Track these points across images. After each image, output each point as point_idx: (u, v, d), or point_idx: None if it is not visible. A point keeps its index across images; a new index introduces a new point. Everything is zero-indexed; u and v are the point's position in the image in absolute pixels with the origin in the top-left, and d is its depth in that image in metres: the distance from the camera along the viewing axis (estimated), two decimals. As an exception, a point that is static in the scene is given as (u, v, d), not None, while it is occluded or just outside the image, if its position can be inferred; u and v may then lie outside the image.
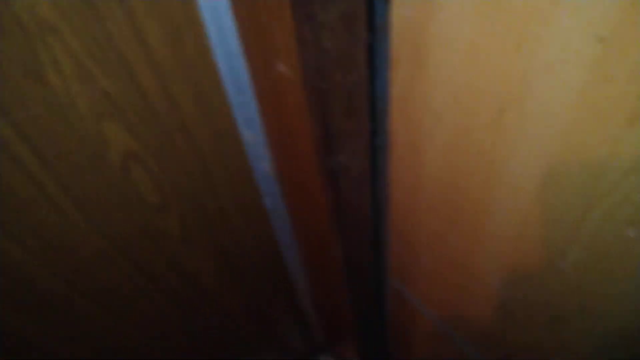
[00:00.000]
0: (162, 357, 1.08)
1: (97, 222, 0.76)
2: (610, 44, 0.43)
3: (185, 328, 1.10)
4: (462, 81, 0.59)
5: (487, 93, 0.57)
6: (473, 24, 0.53)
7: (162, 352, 1.07)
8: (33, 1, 0.54)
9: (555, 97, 0.51)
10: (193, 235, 0.96)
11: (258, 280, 1.20)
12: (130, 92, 0.69)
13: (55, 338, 0.84)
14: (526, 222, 0.66)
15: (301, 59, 0.62)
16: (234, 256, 1.08)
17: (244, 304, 1.22)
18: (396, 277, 1.07)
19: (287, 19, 0.58)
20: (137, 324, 0.97)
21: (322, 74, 0.63)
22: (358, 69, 0.65)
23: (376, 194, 0.87)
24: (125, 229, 0.81)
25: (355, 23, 0.59)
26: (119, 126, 0.70)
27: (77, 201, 0.72)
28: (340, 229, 0.93)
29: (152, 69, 0.68)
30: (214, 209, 0.95)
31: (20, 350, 0.79)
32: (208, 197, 0.92)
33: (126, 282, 0.89)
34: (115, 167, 0.74)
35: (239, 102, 0.80)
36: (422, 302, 1.06)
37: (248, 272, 1.15)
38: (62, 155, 0.67)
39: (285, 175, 0.90)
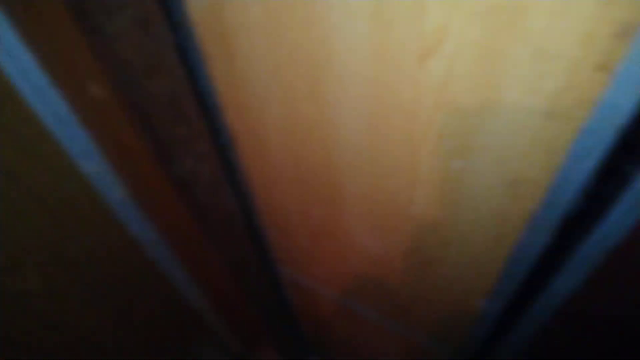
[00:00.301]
0: None
1: None
2: (379, -6, 0.46)
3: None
4: (273, 60, 0.60)
5: (298, 66, 0.58)
6: (262, 4, 0.53)
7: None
8: None
9: (355, 54, 0.53)
10: (61, 288, 0.89)
11: (153, 313, 1.14)
12: None
13: None
14: (373, 180, 0.69)
15: (106, 76, 0.59)
16: (117, 297, 1.02)
17: (146, 342, 1.16)
18: (287, 267, 1.07)
19: (74, 34, 0.54)
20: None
21: (131, 87, 0.60)
22: (171, 72, 0.63)
23: (238, 191, 0.86)
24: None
25: (152, 27, 0.57)
26: None
27: None
28: (213, 234, 0.91)
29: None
30: (78, 253, 0.88)
31: None
32: (66, 243, 0.85)
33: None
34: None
35: (67, 136, 0.74)
36: (319, 284, 1.07)
37: (140, 309, 1.09)
38: None
39: (141, 197, 0.86)
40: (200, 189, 0.79)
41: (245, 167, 0.81)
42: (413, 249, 0.76)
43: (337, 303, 1.09)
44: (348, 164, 0.68)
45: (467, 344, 0.90)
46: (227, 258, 0.96)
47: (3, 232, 0.74)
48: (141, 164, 0.78)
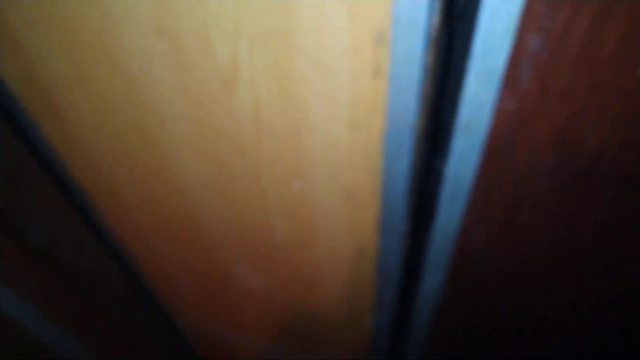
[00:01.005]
0: None
1: None
2: (168, 34, 0.47)
3: None
4: (100, 112, 0.59)
5: (123, 111, 0.58)
6: (69, 58, 0.53)
7: None
8: None
9: (167, 95, 0.54)
10: None
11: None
12: None
13: None
14: (232, 215, 0.69)
15: None
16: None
17: None
18: (186, 319, 1.04)
19: None
20: None
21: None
22: (2, 141, 0.61)
23: (111, 250, 0.83)
24: None
25: None
26: None
27: None
28: (96, 302, 0.87)
29: None
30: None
31: None
32: None
33: None
34: None
35: None
36: (222, 331, 1.05)
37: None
38: None
39: (8, 277, 0.82)
40: (66, 255, 0.76)
41: (110, 224, 0.79)
42: (289, 276, 0.76)
43: (244, 346, 1.07)
44: (203, 204, 0.69)
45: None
46: (119, 322, 0.92)
47: None
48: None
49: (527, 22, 0.37)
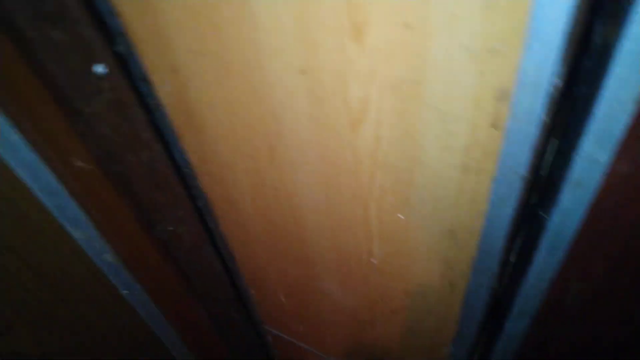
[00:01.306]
0: None
1: None
2: (310, 73, 0.54)
3: None
4: (236, 133, 0.68)
5: (257, 136, 0.67)
6: (217, 86, 0.62)
7: None
8: None
9: (300, 126, 0.61)
10: (55, 354, 0.94)
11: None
12: None
13: None
14: (335, 235, 0.75)
15: (91, 151, 0.68)
16: (110, 358, 1.06)
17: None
18: (271, 326, 1.11)
19: (59, 116, 0.63)
20: None
21: (114, 160, 0.69)
22: (149, 146, 0.72)
23: (220, 253, 0.92)
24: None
25: (126, 108, 0.66)
26: None
27: None
28: (199, 295, 0.96)
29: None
30: (71, 316, 0.94)
31: None
32: (59, 308, 0.92)
33: None
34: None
35: (56, 205, 0.83)
36: (302, 342, 1.11)
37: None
38: None
39: (128, 260, 0.93)
40: (183, 251, 0.86)
41: (223, 230, 0.88)
42: (378, 299, 0.81)
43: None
44: (312, 222, 0.75)
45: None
46: (213, 318, 1.00)
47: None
48: (126, 229, 0.85)
49: (650, 95, 0.40)
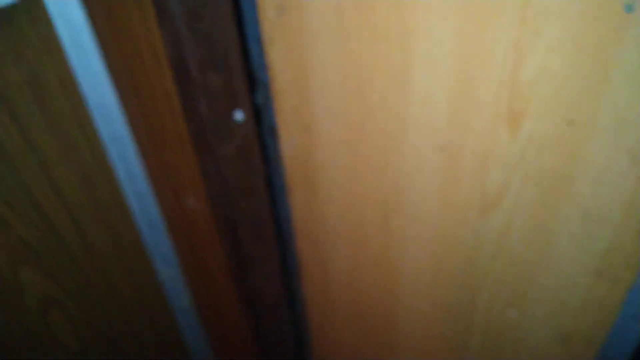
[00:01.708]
0: None
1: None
2: (450, 151, 0.55)
3: None
4: (349, 198, 0.69)
5: (371, 205, 0.67)
6: (346, 149, 0.64)
7: None
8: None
9: (423, 201, 0.61)
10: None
11: None
12: (47, 237, 0.72)
13: None
14: (430, 320, 0.72)
15: (207, 191, 0.70)
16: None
17: None
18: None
19: (190, 155, 0.67)
20: None
21: (227, 203, 0.71)
22: (259, 196, 0.74)
23: (296, 318, 0.91)
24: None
25: (251, 155, 0.69)
26: (36, 271, 0.72)
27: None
28: (262, 355, 0.94)
29: (67, 214, 0.73)
30: (135, 352, 0.93)
31: None
32: (128, 340, 0.92)
33: None
34: (33, 312, 0.74)
35: (153, 240, 0.85)
36: None
37: None
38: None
39: (205, 308, 0.93)
40: (264, 309, 0.85)
41: (305, 294, 0.87)
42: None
43: None
44: (407, 303, 0.74)
45: None
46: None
47: (84, 318, 0.81)
48: (214, 276, 0.86)
49: None
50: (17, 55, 0.62)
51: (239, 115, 0.64)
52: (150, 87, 0.63)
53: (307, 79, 0.62)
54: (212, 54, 0.58)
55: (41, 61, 0.64)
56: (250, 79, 0.65)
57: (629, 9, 0.37)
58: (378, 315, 0.79)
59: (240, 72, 0.62)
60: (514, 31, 0.43)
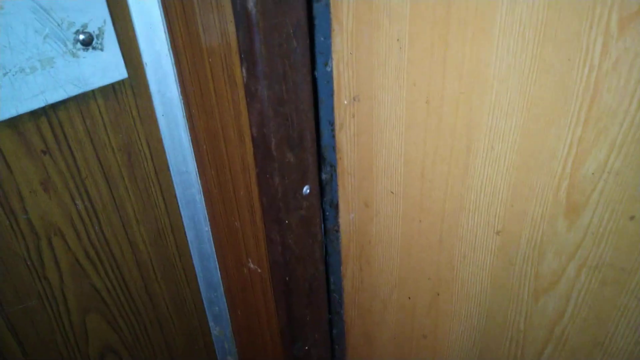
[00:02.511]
0: None
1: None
2: (506, 235, 0.55)
3: None
4: (401, 272, 0.69)
5: (423, 280, 0.67)
6: (403, 226, 0.65)
7: None
8: (46, 209, 0.63)
9: (477, 282, 0.61)
10: None
11: None
12: (116, 289, 0.74)
13: None
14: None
15: (268, 256, 0.71)
16: None
17: None
18: None
19: (258, 223, 0.69)
20: None
21: (286, 269, 0.71)
22: (316, 264, 0.74)
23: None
24: None
25: (312, 226, 0.70)
26: (102, 319, 0.73)
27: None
28: None
29: (137, 269, 0.75)
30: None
31: None
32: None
33: None
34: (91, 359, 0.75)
35: (209, 299, 0.86)
36: None
37: None
38: (45, 345, 0.68)
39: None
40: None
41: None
42: None
43: None
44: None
45: None
46: None
47: None
48: (265, 339, 0.85)
49: None
50: (118, 123, 0.67)
51: (306, 189, 0.67)
52: (231, 159, 0.66)
53: (372, 160, 0.64)
54: (291, 135, 0.61)
55: (137, 129, 0.69)
56: (319, 157, 0.68)
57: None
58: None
59: (312, 151, 0.65)
60: (577, 130, 0.45)
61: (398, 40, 0.53)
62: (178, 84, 0.68)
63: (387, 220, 0.66)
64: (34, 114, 0.59)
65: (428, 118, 0.55)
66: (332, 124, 0.65)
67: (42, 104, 0.58)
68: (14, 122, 0.57)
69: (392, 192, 0.64)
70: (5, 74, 0.55)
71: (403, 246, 0.67)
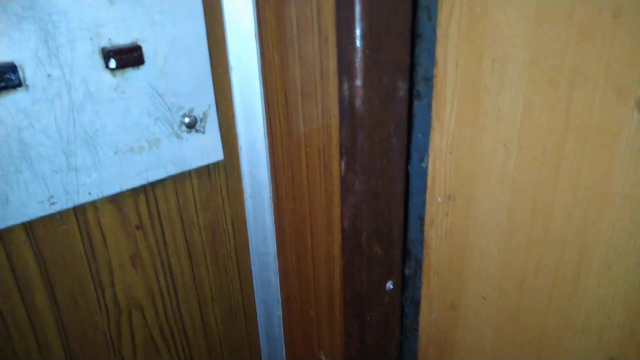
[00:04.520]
0: None
1: None
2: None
3: None
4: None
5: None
6: (494, 335, 0.59)
7: None
8: (132, 283, 0.62)
9: None
10: None
11: None
12: (186, 366, 0.71)
13: None
14: None
15: (346, 351, 0.66)
16: None
17: None
18: None
19: (336, 315, 0.65)
20: None
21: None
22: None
23: None
24: None
25: (391, 323, 0.66)
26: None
27: None
28: None
29: (207, 347, 0.72)
30: None
31: None
32: None
33: None
34: None
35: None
36: None
37: None
38: None
39: None
40: None
41: None
42: None
43: None
44: None
45: None
46: None
47: None
48: None
49: None
50: (208, 202, 0.67)
51: (389, 285, 0.63)
52: (315, 247, 0.64)
53: (464, 261, 0.60)
54: (381, 229, 0.58)
55: (224, 209, 0.69)
56: (404, 251, 0.65)
57: None
58: None
59: (398, 245, 0.62)
60: None
61: (505, 145, 0.51)
62: (269, 168, 0.68)
63: (476, 327, 0.61)
64: (134, 191, 0.60)
65: (533, 227, 0.51)
66: (421, 219, 0.62)
67: (143, 182, 0.59)
68: (115, 198, 0.58)
69: (484, 298, 0.59)
70: (115, 153, 0.56)
71: (486, 351, 0.61)
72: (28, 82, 0.51)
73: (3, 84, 0.48)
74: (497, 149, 0.52)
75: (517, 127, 0.49)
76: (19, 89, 0.50)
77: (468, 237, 0.58)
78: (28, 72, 0.51)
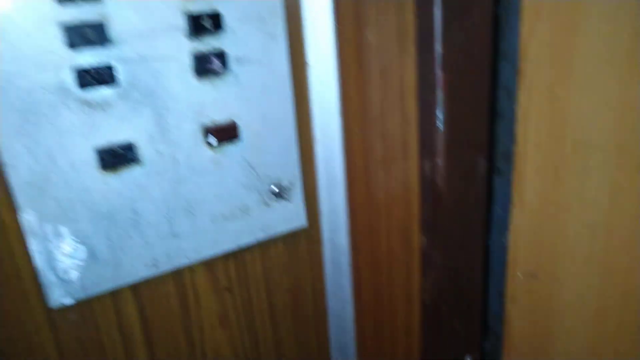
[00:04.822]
0: None
1: None
2: None
3: None
4: None
5: None
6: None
7: None
8: (220, 343, 0.66)
9: None
10: None
11: None
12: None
13: None
14: None
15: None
16: None
17: None
18: None
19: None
20: None
21: None
22: None
23: None
24: None
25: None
26: None
27: None
28: None
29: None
30: None
31: None
32: None
33: None
34: None
35: None
36: None
37: None
38: None
39: None
40: None
41: None
42: None
43: None
44: None
45: None
46: None
47: None
48: None
49: None
50: (291, 266, 0.70)
51: (468, 359, 0.62)
52: (392, 317, 0.65)
53: (548, 341, 0.58)
54: (460, 303, 0.58)
55: (304, 272, 0.72)
56: (483, 326, 0.64)
57: None
58: None
59: (477, 320, 0.61)
60: None
61: (590, 227, 0.50)
62: (349, 235, 0.70)
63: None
64: (225, 255, 0.64)
65: (625, 312, 0.49)
66: (501, 294, 0.61)
67: (234, 247, 0.64)
68: (209, 262, 0.63)
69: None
70: (211, 220, 0.62)
71: None
72: (142, 158, 0.58)
73: (124, 161, 0.55)
74: (582, 230, 0.51)
75: (604, 210, 0.49)
76: (135, 165, 0.57)
77: (553, 317, 0.56)
78: (142, 149, 0.58)
